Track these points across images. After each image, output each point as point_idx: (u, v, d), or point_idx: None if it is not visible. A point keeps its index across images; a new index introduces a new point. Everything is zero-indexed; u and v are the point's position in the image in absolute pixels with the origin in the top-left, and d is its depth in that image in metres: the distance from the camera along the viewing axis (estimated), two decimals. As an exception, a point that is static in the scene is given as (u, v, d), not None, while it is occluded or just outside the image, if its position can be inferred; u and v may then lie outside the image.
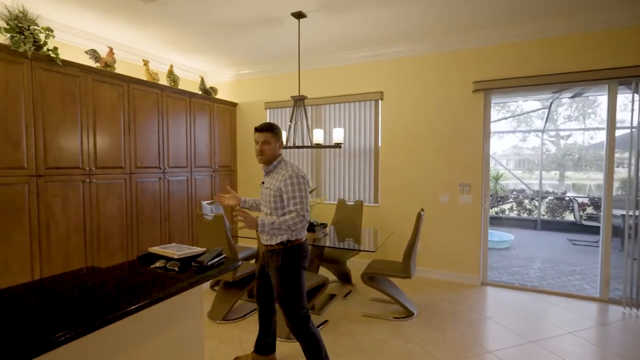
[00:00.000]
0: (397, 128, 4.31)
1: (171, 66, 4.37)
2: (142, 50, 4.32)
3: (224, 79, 5.42)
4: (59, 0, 3.02)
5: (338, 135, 3.29)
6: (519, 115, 10.57)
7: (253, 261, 3.69)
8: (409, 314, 3.09)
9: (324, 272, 3.96)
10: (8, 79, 2.76)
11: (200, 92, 4.76)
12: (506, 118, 10.72)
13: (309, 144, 3.53)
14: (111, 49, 3.61)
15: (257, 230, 1.84)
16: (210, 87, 4.98)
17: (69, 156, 3.18)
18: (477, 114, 3.88)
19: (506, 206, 9.22)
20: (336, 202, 4.34)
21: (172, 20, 3.43)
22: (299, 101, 3.47)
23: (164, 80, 4.34)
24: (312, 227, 3.35)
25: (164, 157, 4.13)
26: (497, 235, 6.67)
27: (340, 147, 3.35)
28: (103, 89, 3.45)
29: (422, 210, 3.13)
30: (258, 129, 2.05)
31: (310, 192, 3.64)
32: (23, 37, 2.79)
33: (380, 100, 4.40)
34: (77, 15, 3.33)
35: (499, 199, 9.30)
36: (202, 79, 4.87)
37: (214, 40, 3.98)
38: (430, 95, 4.10)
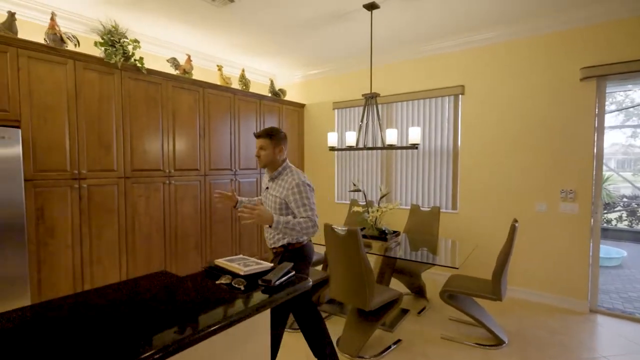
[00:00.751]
0: (481, 125, 3.81)
1: (243, 70, 4.46)
2: (216, 56, 4.47)
3: (293, 80, 5.41)
4: (142, 12, 3.22)
5: (414, 135, 2.98)
6: (629, 107, 8.88)
7: (321, 268, 3.55)
8: (497, 342, 2.66)
9: (395, 284, 3.66)
10: (102, 88, 3.01)
11: (270, 95, 4.80)
12: (612, 111, 9.10)
13: (381, 145, 3.27)
14: (189, 57, 3.78)
15: (270, 226, 1.82)
16: (280, 89, 5.00)
17: (152, 159, 3.38)
18: (586, 106, 3.22)
19: (613, 215, 7.79)
20: (409, 208, 3.99)
21: (242, 23, 3.45)
22: (370, 99, 3.23)
23: (236, 84, 4.45)
24: (383, 235, 3.09)
25: (235, 158, 4.22)
26: (604, 250, 5.62)
27: (416, 148, 3.03)
28: (181, 95, 3.62)
29: (516, 221, 2.66)
30: (256, 135, 2.10)
31: (382, 197, 3.38)
32: (114, 49, 3.01)
33: (460, 95, 3.94)
34: (159, 27, 3.53)
35: (604, 206, 7.90)
36: (271, 81, 4.91)
37: (283, 41, 3.94)
38: (523, 86, 3.53)
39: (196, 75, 3.98)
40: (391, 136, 3.07)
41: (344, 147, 3.43)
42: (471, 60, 3.83)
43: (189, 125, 3.70)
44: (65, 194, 2.81)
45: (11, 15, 2.58)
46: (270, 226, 1.82)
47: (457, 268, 2.45)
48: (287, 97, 5.24)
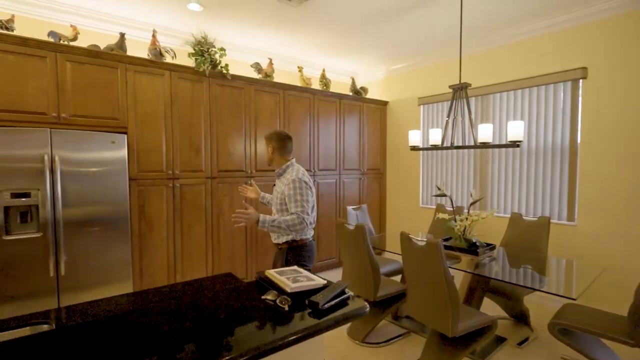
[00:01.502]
0: (609, 117, 3.02)
1: (323, 70, 4.41)
2: (297, 57, 4.51)
3: (375, 77, 5.17)
4: (228, 21, 3.39)
5: (515, 130, 2.48)
6: None
7: (399, 278, 3.26)
8: (634, 400, 2.02)
9: (488, 305, 3.15)
10: (193, 95, 3.26)
11: (351, 94, 4.65)
12: None
13: (472, 143, 2.83)
14: (270, 60, 3.87)
15: (257, 226, 1.97)
16: (361, 88, 4.81)
17: (235, 160, 3.54)
18: None
19: None
20: (508, 217, 3.40)
21: (321, 22, 3.37)
22: (459, 91, 2.82)
23: (316, 85, 4.42)
24: (474, 248, 2.66)
25: (314, 159, 4.19)
26: None
27: (518, 146, 2.53)
28: (263, 98, 3.72)
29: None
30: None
31: (473, 203, 2.93)
32: (203, 58, 3.23)
33: (581, 80, 3.19)
34: (243, 34, 3.69)
35: None
36: (352, 79, 4.76)
37: (364, 37, 3.75)
38: (679, 63, 2.67)
39: (278, 77, 4.07)
40: (485, 132, 2.62)
41: (428, 146, 3.08)
42: (597, 36, 3.07)
43: (270, 127, 3.78)
44: (162, 192, 3.11)
45: (122, 36, 2.96)
46: (258, 225, 1.97)
47: (575, 299, 1.93)
48: (369, 95, 5.03)
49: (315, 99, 4.18)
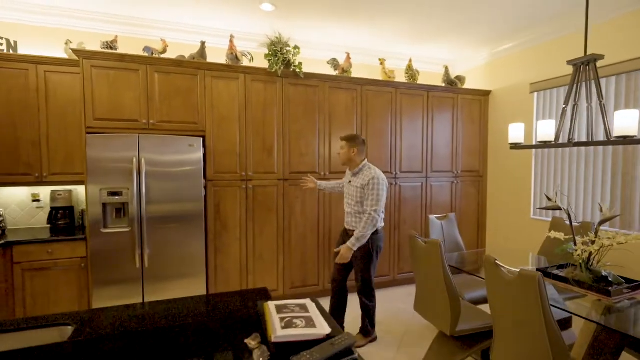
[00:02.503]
0: None
1: (410, 61, 3.94)
2: (379, 49, 4.14)
3: (475, 63, 4.43)
4: (304, 20, 3.27)
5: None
6: None
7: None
8: None
9: (629, 360, 2.28)
10: (266, 97, 3.25)
11: (444, 85, 4.06)
12: None
13: (604, 138, 2.06)
14: (348, 55, 3.62)
15: (352, 249, 2.54)
16: (456, 77, 4.17)
17: (308, 161, 3.42)
18: None
19: None
20: (667, 241, 2.41)
21: (406, 4, 2.96)
22: (583, 67, 2.08)
23: (401, 78, 3.99)
24: (603, 285, 1.92)
25: (395, 160, 3.78)
26: None
27: (682, 141, 1.71)
28: (338, 95, 3.50)
29: None
30: (340, 138, 2.73)
31: (603, 222, 2.13)
32: (276, 58, 3.19)
33: None
34: (320, 29, 3.53)
35: None
36: (446, 68, 4.14)
37: (462, 14, 3.17)
38: None
39: (357, 72, 3.80)
40: (625, 122, 1.86)
41: (536, 143, 2.36)
42: None
43: (345, 126, 3.54)
44: (236, 193, 3.18)
45: (202, 44, 3.12)
46: (352, 249, 2.55)
47: None
48: (467, 85, 4.33)
49: (398, 93, 3.76)
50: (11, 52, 2.88)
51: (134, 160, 2.70)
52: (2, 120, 2.78)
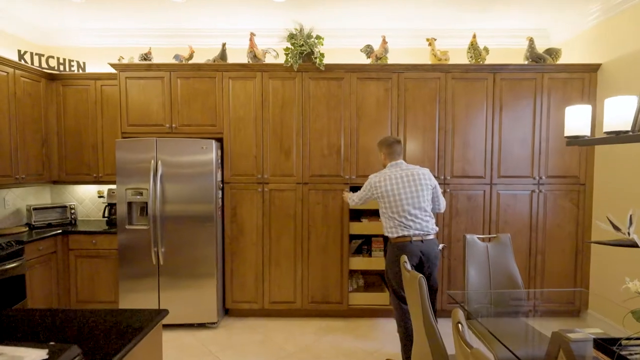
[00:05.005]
0: None
1: (474, 37, 3.14)
2: (427, 28, 3.43)
3: (576, 29, 3.24)
4: (326, 7, 2.93)
5: None
6: None
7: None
8: None
9: None
10: (284, 94, 3.03)
11: (526, 62, 3.09)
12: None
13: None
14: (384, 38, 3.10)
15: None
16: (546, 50, 3.13)
17: (331, 163, 3.06)
18: None
19: None
20: None
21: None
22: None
23: (459, 59, 3.22)
24: None
25: (444, 161, 3.06)
26: None
27: None
28: (368, 87, 3.03)
29: None
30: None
31: None
32: (293, 52, 2.94)
33: None
34: (349, 15, 3.11)
35: None
36: (530, 41, 3.14)
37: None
38: None
39: (396, 58, 3.23)
40: None
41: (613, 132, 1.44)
42: None
43: (377, 121, 3.04)
44: (252, 197, 3.07)
45: (223, 46, 3.11)
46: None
47: None
48: (563, 60, 3.20)
49: (449, 79, 3.02)
50: (80, 71, 3.44)
51: (152, 162, 2.85)
52: (71, 128, 3.33)
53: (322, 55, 2.97)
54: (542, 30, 3.47)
